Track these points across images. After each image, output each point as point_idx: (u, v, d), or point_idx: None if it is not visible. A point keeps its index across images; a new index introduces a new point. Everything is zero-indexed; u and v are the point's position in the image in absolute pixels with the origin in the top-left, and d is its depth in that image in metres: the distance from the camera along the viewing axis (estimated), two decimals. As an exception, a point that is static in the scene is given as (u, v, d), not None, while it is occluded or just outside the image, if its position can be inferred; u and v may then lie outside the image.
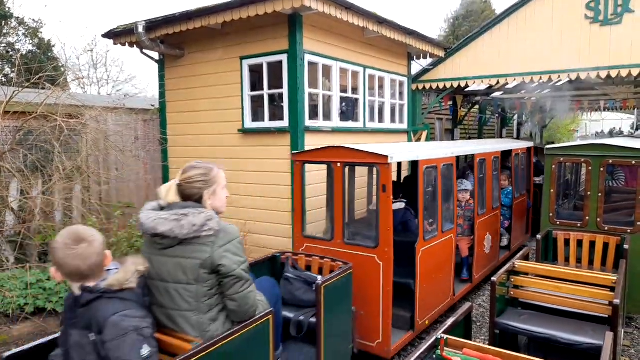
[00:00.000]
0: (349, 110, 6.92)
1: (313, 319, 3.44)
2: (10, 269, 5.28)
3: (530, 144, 8.60)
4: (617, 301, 3.24)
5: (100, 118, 6.47)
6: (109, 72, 23.46)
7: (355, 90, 6.94)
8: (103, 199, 6.85)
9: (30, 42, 19.11)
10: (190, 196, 2.47)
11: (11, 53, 18.19)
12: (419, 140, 8.63)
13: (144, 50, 7.04)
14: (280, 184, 6.05)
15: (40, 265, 5.49)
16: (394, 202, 4.28)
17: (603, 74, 7.08)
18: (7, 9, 18.31)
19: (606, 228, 5.19)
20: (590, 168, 5.35)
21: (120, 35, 6.98)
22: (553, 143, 15.08)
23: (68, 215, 6.19)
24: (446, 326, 2.58)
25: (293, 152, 5.17)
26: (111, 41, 7.22)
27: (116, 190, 7.22)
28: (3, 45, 18.61)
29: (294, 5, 5.14)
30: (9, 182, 5.62)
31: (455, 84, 8.38)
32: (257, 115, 6.41)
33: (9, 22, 18.51)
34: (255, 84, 6.45)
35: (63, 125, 5.62)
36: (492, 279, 3.58)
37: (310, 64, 6.01)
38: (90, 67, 18.81)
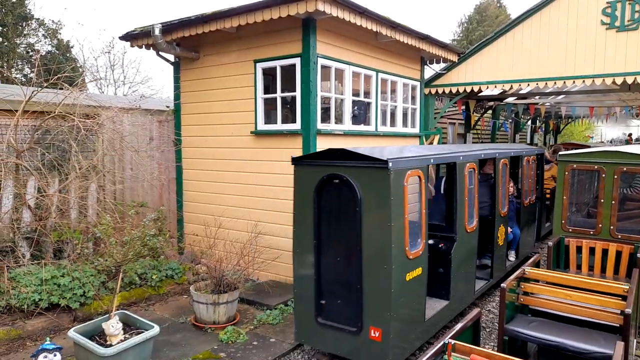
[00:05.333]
0: (361, 113, 6.94)
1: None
2: (26, 265, 5.39)
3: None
4: (628, 310, 3.21)
5: (116, 118, 6.58)
6: (126, 74, 23.87)
7: (367, 94, 6.96)
8: (117, 198, 6.94)
9: (50, 43, 19.52)
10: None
11: (31, 53, 18.58)
12: (431, 144, 8.60)
13: (160, 53, 7.16)
14: (292, 186, 6.08)
15: (55, 262, 5.58)
16: None
17: (619, 80, 6.99)
18: (28, 11, 18.71)
19: (620, 236, 5.13)
20: (604, 175, 5.29)
21: (137, 37, 7.10)
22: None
23: (83, 214, 6.29)
24: (454, 331, 2.57)
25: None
26: (128, 43, 7.35)
27: (130, 189, 7.32)
28: (23, 45, 19.00)
29: (308, 9, 5.19)
30: (26, 180, 5.74)
31: (469, 89, 8.34)
32: (269, 118, 6.47)
33: (30, 23, 18.91)
34: (269, 87, 6.51)
35: (80, 125, 5.74)
36: (502, 285, 3.57)
37: (323, 67, 6.05)
38: (108, 68, 19.17)
